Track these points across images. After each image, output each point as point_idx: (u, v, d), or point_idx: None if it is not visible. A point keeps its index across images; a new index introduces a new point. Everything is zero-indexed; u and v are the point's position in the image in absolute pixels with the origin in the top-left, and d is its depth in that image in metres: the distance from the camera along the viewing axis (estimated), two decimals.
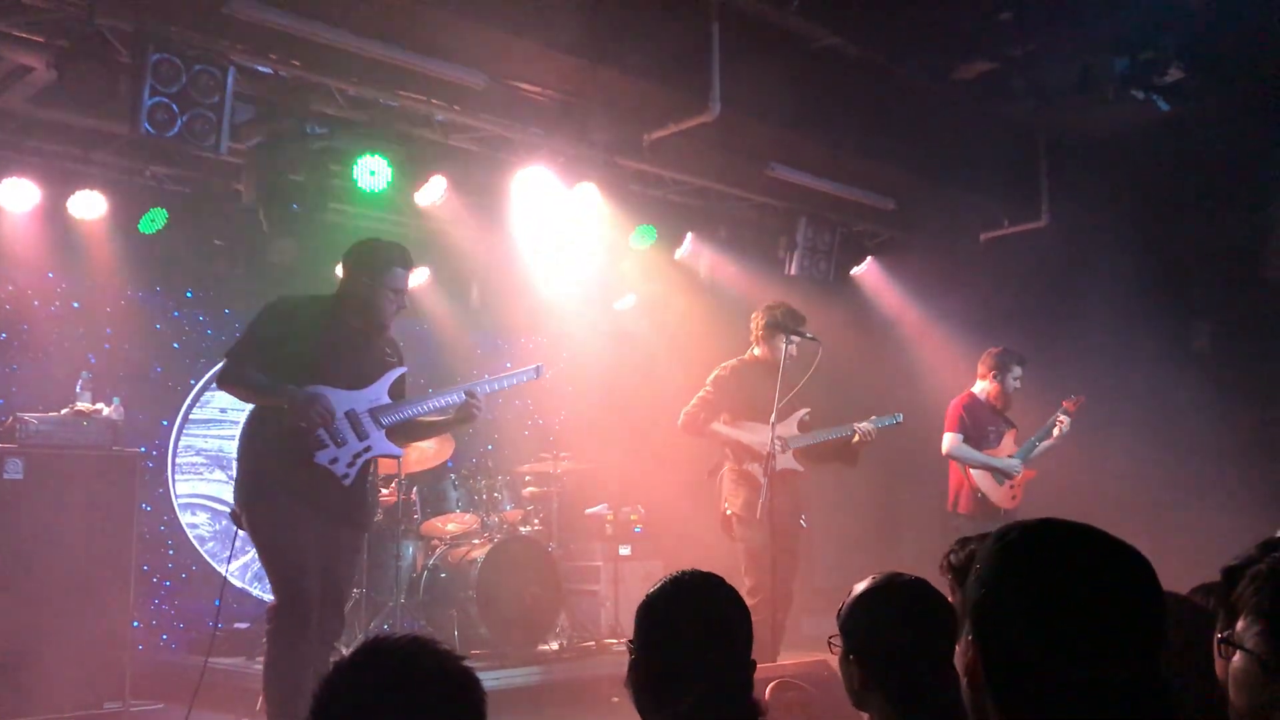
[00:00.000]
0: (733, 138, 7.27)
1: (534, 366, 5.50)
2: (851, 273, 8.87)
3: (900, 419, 6.39)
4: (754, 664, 2.38)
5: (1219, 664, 1.88)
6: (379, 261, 4.88)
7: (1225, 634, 1.71)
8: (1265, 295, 7.07)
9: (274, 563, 4.72)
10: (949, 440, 6.91)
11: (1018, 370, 7.00)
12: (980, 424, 6.95)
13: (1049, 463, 7.26)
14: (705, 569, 2.46)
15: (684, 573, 2.42)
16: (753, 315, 6.44)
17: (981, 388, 7.08)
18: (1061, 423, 6.97)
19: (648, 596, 2.39)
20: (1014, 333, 7.86)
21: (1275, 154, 7.02)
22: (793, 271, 8.42)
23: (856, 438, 6.21)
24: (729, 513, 6.19)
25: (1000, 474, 6.86)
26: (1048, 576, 1.42)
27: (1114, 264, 7.70)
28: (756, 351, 6.38)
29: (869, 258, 8.91)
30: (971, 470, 6.88)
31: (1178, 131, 7.16)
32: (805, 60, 6.91)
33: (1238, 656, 1.66)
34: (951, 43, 6.98)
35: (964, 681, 1.50)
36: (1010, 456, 6.92)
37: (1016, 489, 6.91)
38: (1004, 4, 6.52)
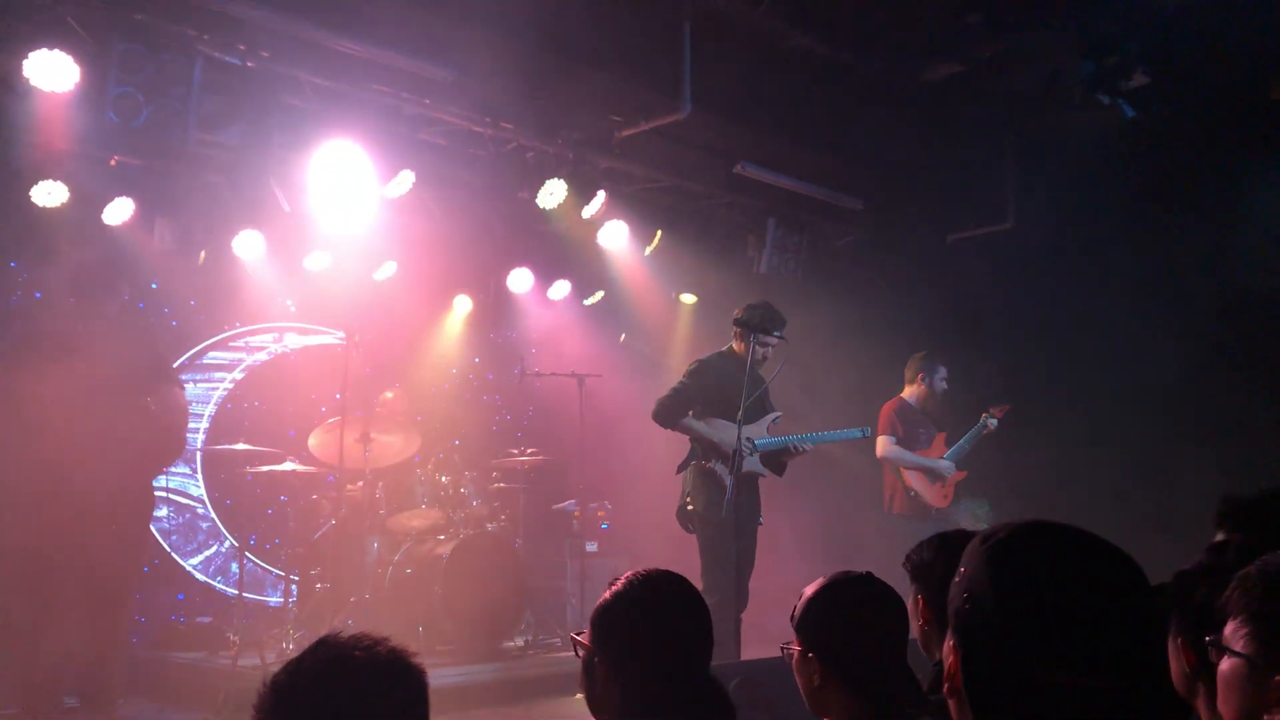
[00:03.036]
0: (703, 136, 7.29)
1: None
2: (819, 271, 8.91)
3: (868, 432, 6.72)
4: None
5: (1174, 665, 1.91)
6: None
7: (1212, 638, 1.70)
8: (1228, 302, 7.13)
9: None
10: (882, 443, 7.31)
11: (943, 371, 7.45)
12: (911, 427, 7.34)
13: (1021, 463, 7.35)
14: (670, 567, 2.46)
15: (645, 572, 2.41)
16: (735, 310, 6.50)
17: (910, 392, 7.50)
18: (990, 427, 7.32)
19: (609, 596, 2.38)
20: (978, 333, 7.94)
21: (1239, 161, 7.10)
22: (763, 270, 8.45)
23: (793, 451, 6.30)
24: (690, 508, 6.21)
25: (933, 474, 7.26)
26: (1037, 580, 1.38)
27: (1078, 267, 7.77)
28: (734, 346, 6.41)
29: (836, 257, 8.97)
30: (905, 471, 7.29)
31: (1143, 137, 7.22)
32: (776, 60, 6.93)
33: (1226, 660, 1.65)
34: (920, 44, 7.01)
35: (945, 686, 1.47)
36: (942, 458, 7.30)
37: (948, 488, 7.33)
38: (972, 7, 6.56)
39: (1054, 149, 7.72)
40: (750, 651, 5.92)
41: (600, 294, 9.25)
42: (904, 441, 7.30)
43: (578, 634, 2.39)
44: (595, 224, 7.78)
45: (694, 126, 6.86)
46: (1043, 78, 7.00)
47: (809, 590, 2.46)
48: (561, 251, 8.34)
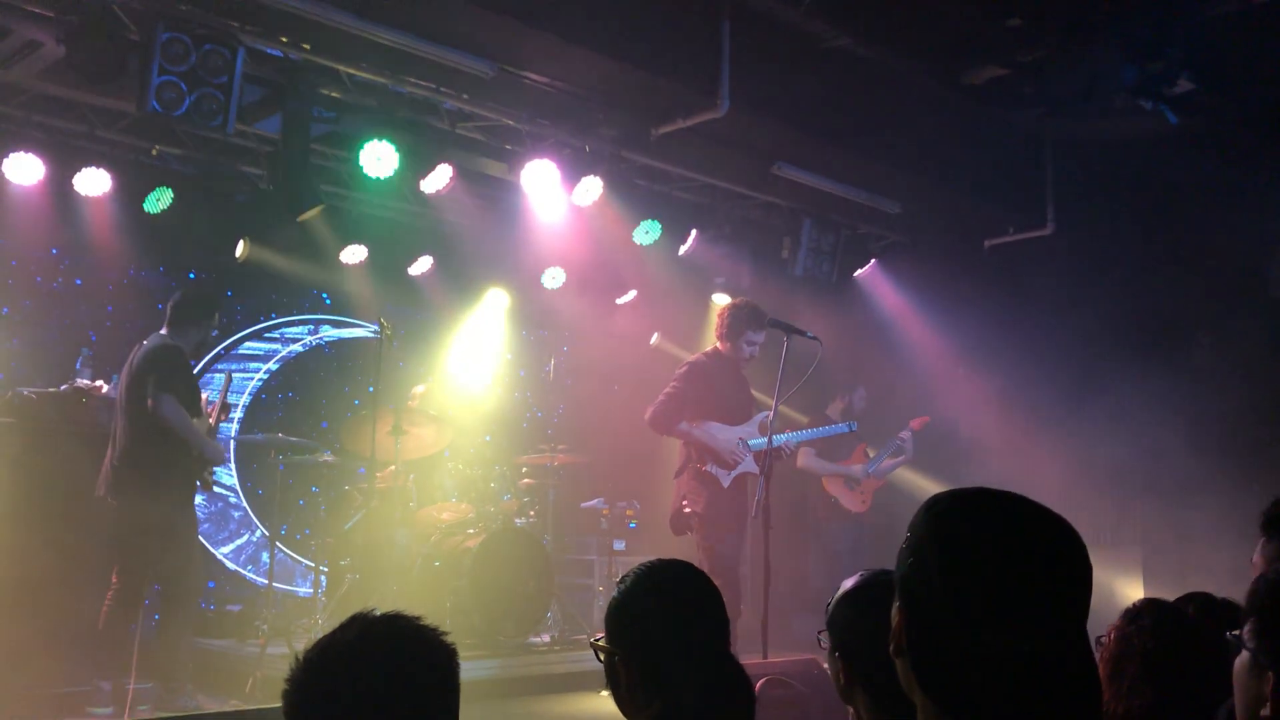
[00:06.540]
0: (740, 135, 7.25)
1: None
2: (855, 275, 8.84)
3: (854, 427, 7.01)
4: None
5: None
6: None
7: (1233, 633, 1.79)
8: (1268, 311, 7.04)
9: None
10: (802, 455, 7.81)
11: (862, 391, 8.11)
12: (831, 440, 7.54)
13: (1046, 468, 7.29)
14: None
15: (649, 564, 2.40)
16: (719, 310, 6.47)
17: (834, 408, 8.11)
18: (903, 439, 7.85)
19: (619, 594, 2.36)
20: (1014, 340, 7.86)
21: None
22: (798, 272, 8.40)
23: (784, 453, 6.21)
24: (688, 511, 6.14)
25: (849, 480, 7.90)
26: (975, 544, 1.42)
27: (1117, 274, 7.68)
28: (720, 346, 6.34)
29: (873, 260, 8.89)
30: (825, 479, 7.94)
31: (1185, 144, 7.13)
32: (815, 60, 6.88)
33: (1241, 653, 1.74)
34: (961, 47, 6.95)
35: (891, 646, 1.50)
36: (861, 466, 7.90)
37: (865, 494, 7.95)
38: (1014, 10, 6.50)
39: (1095, 154, 7.64)
40: (778, 653, 5.89)
41: (633, 293, 9.24)
42: (824, 453, 7.86)
43: (595, 638, 2.39)
44: (628, 222, 7.77)
45: (731, 125, 6.82)
46: (1084, 82, 6.92)
47: (845, 585, 2.43)
48: (595, 250, 8.33)
